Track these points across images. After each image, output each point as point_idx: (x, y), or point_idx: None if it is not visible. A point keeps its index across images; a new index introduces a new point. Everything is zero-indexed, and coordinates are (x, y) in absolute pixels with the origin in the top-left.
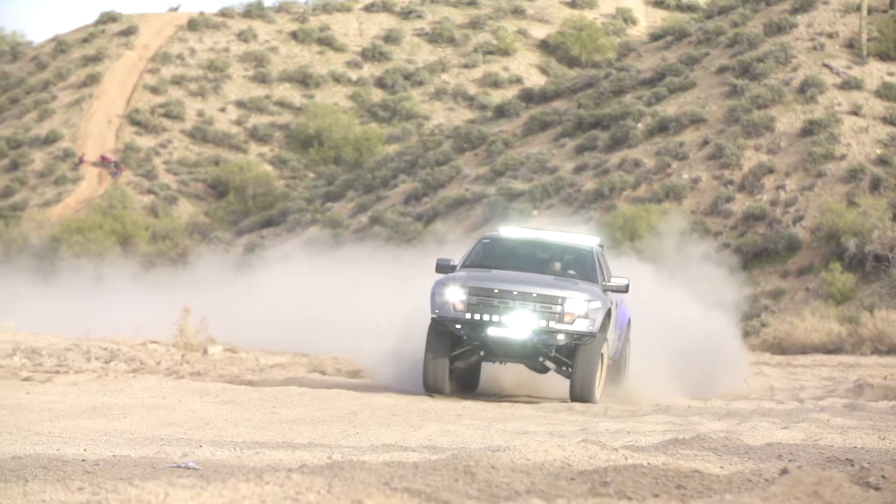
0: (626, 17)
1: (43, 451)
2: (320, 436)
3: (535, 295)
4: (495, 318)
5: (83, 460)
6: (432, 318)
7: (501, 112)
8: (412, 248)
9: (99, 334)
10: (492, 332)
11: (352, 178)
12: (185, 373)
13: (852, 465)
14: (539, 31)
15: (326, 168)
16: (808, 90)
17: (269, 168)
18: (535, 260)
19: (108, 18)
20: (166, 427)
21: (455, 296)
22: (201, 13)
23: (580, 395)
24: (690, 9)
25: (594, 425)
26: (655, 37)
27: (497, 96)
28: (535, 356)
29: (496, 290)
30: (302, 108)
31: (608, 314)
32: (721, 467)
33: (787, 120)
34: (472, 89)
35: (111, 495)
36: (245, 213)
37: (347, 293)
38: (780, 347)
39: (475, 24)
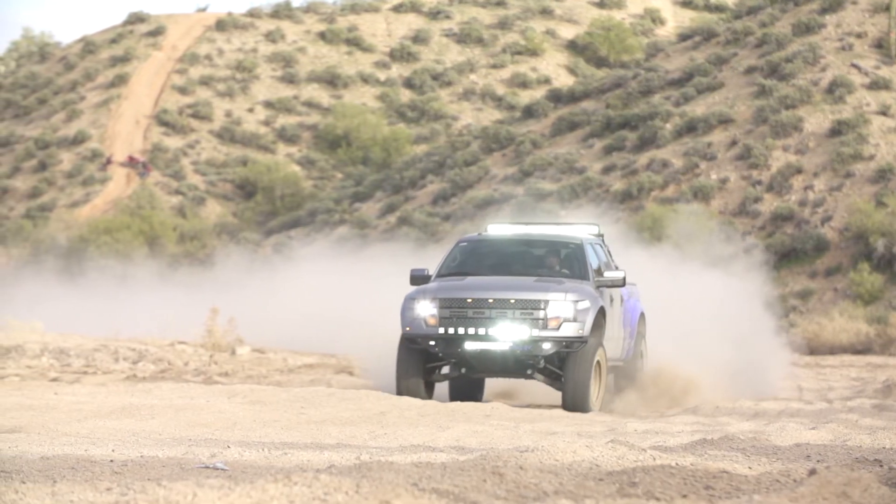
0: (655, 18)
1: (71, 452)
2: (348, 436)
3: (513, 301)
4: (471, 330)
5: (111, 461)
6: (403, 335)
7: (530, 112)
8: (440, 249)
9: (127, 335)
10: (469, 346)
11: (380, 178)
12: (214, 373)
13: (881, 466)
14: (567, 32)
15: (354, 168)
16: (836, 90)
17: (297, 168)
18: (518, 260)
19: (136, 19)
20: (194, 428)
21: (426, 310)
22: (229, 14)
23: (572, 406)
24: (719, 9)
25: (622, 426)
26: (683, 37)
27: (525, 97)
28: (522, 369)
29: (469, 300)
30: (330, 109)
31: (602, 313)
32: (749, 468)
33: (816, 120)
34: (501, 90)
35: (139, 496)
36: (273, 214)
37: (372, 294)
38: (809, 348)
39: (503, 25)
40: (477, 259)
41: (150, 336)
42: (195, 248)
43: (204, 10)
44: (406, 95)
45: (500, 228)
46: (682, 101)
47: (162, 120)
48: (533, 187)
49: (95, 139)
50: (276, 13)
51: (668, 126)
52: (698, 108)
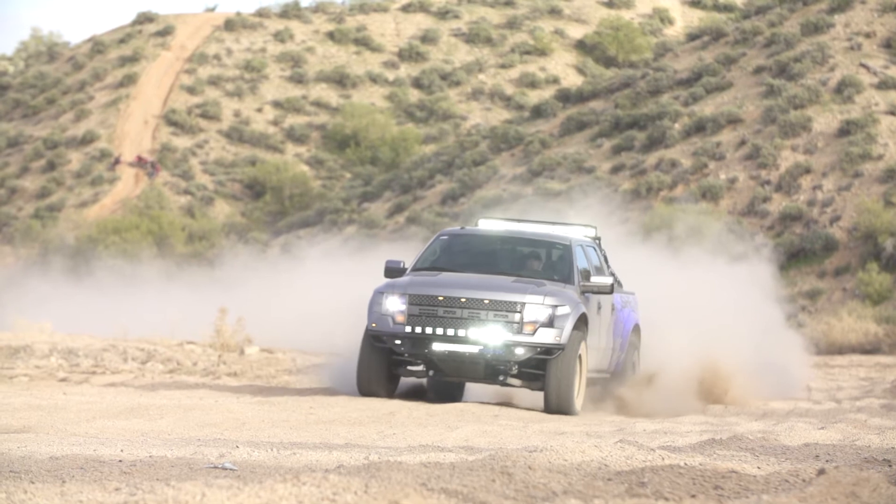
0: (663, 17)
1: (80, 452)
2: (357, 436)
3: (487, 301)
4: (440, 330)
5: (120, 461)
6: (368, 332)
7: (538, 112)
8: None
9: (135, 334)
10: (438, 347)
11: (388, 178)
12: (222, 373)
13: (890, 466)
14: (576, 31)
15: (363, 168)
16: (845, 90)
17: (305, 168)
18: (500, 259)
19: (145, 19)
20: (203, 428)
21: (394, 306)
22: (238, 13)
23: (557, 409)
24: (727, 9)
25: (631, 426)
26: (692, 37)
27: (534, 96)
28: (493, 375)
29: (441, 298)
30: (338, 109)
31: (583, 320)
32: (758, 468)
33: (824, 120)
34: (509, 89)
35: (148, 496)
36: (282, 214)
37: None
38: (817, 348)
39: (512, 24)
40: (456, 254)
41: (159, 336)
42: (204, 248)
43: (213, 9)
44: (415, 95)
45: (490, 223)
46: (691, 100)
47: (170, 120)
48: (541, 187)
49: (104, 139)
50: (284, 13)
51: (677, 126)
52: (707, 108)
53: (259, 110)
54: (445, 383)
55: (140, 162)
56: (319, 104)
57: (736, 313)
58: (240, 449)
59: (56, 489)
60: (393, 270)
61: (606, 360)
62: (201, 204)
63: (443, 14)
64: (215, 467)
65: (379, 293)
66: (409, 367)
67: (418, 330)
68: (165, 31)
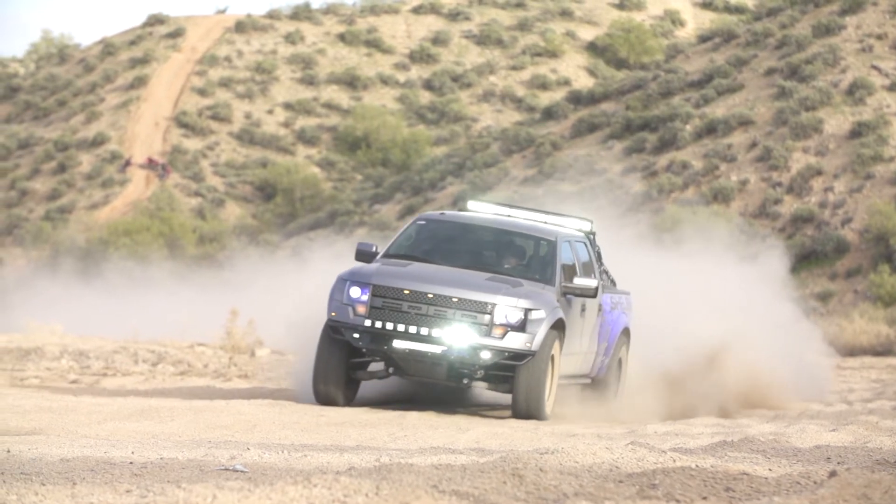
0: (674, 19)
1: (91, 454)
2: (368, 438)
3: (455, 300)
4: (402, 327)
5: (131, 463)
6: (327, 322)
7: (549, 114)
8: None
9: (146, 336)
10: (398, 344)
11: (399, 180)
12: (233, 375)
13: None
14: (587, 33)
15: (374, 170)
16: (856, 92)
17: (316, 170)
18: (478, 251)
19: (156, 21)
20: (214, 430)
21: (356, 296)
22: (249, 15)
23: (525, 414)
24: (739, 10)
25: (642, 428)
26: (703, 38)
27: (545, 98)
28: (457, 378)
29: (407, 292)
30: (349, 110)
31: (560, 325)
32: (769, 470)
33: (836, 122)
34: (520, 91)
35: (159, 498)
36: (292, 216)
37: None
38: (829, 350)
39: (523, 26)
40: (432, 242)
41: (170, 338)
42: (214, 250)
43: (223, 11)
44: (425, 97)
45: (480, 206)
46: (702, 102)
47: (181, 122)
48: (553, 189)
49: (115, 141)
50: (295, 15)
51: (688, 128)
52: (718, 110)
53: (270, 112)
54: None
55: (151, 164)
56: (330, 106)
57: (755, 314)
58: (251, 451)
59: (67, 491)
60: (364, 254)
61: (588, 364)
62: (212, 206)
63: (454, 16)
64: (226, 469)
65: (342, 280)
66: (370, 369)
67: (379, 325)
68: (176, 33)
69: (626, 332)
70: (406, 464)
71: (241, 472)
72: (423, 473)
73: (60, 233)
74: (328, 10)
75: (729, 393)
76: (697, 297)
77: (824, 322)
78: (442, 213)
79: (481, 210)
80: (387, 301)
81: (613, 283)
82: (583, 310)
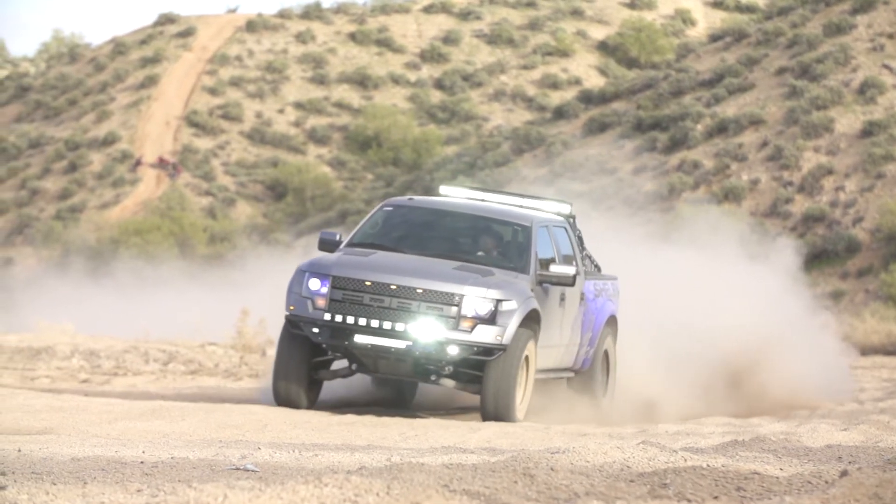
0: (685, 19)
1: (101, 453)
2: (379, 438)
3: (420, 291)
4: (363, 321)
5: (142, 462)
6: (286, 317)
7: (560, 113)
8: None
9: (157, 336)
10: (360, 339)
11: (410, 179)
12: (244, 375)
13: None
14: (598, 33)
15: (385, 169)
16: (867, 91)
17: (327, 170)
18: (447, 239)
19: (167, 20)
20: (225, 429)
21: (315, 288)
22: (259, 14)
23: (495, 417)
24: (749, 10)
25: (653, 427)
26: (714, 38)
27: (556, 97)
28: (424, 374)
29: (368, 283)
30: (360, 110)
31: (534, 317)
32: (781, 469)
33: (847, 121)
34: (531, 90)
35: (170, 497)
36: (303, 215)
37: None
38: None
39: (534, 26)
40: (398, 230)
41: (181, 337)
42: (225, 250)
43: (234, 10)
44: (436, 96)
45: (453, 191)
46: (713, 101)
47: (192, 121)
48: (564, 188)
49: (125, 140)
50: (306, 14)
51: (699, 127)
52: (729, 109)
53: (281, 111)
54: (392, 388)
55: (161, 163)
56: (341, 105)
57: (780, 311)
58: (262, 450)
59: (78, 490)
60: (327, 243)
61: (571, 356)
62: (223, 205)
63: (465, 15)
64: (237, 469)
65: (300, 272)
66: (332, 369)
67: (339, 319)
68: (187, 33)
69: (612, 320)
70: (417, 463)
71: (252, 471)
72: (434, 473)
73: (71, 232)
74: (339, 10)
75: (771, 395)
76: (722, 294)
77: (835, 322)
78: (410, 199)
79: (453, 195)
80: (347, 293)
81: (598, 268)
82: (562, 299)
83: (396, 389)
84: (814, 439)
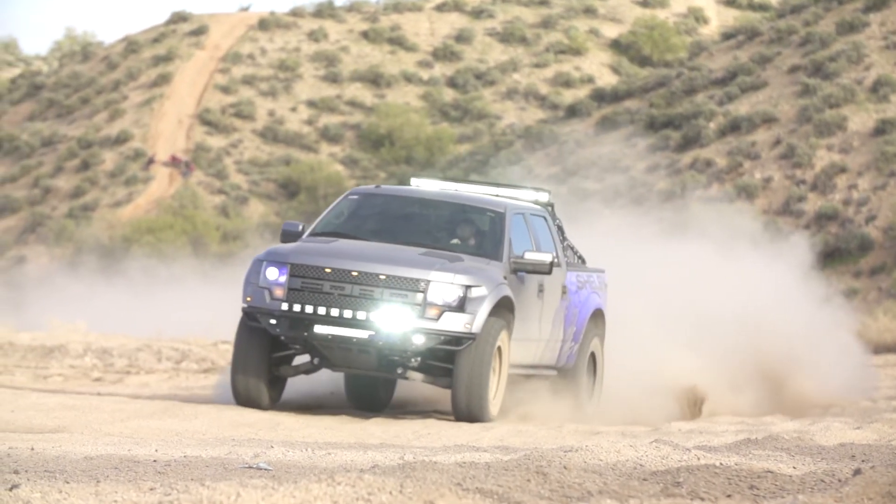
0: (698, 17)
1: (114, 452)
2: (392, 436)
3: (383, 277)
4: (323, 310)
5: (154, 461)
6: (242, 309)
7: (573, 112)
8: None
9: (169, 334)
10: (319, 330)
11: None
12: None
13: None
14: (611, 31)
15: (398, 168)
16: (880, 89)
17: (340, 168)
18: (415, 226)
19: (179, 18)
20: (237, 428)
21: (273, 278)
22: (272, 13)
23: (468, 413)
24: (762, 8)
25: (666, 425)
26: (727, 36)
27: (569, 96)
28: (389, 367)
29: (328, 270)
30: (373, 108)
31: (507, 305)
32: (794, 468)
33: (860, 119)
34: (544, 89)
35: (183, 496)
36: (316, 214)
37: None
38: None
39: (546, 24)
40: (363, 218)
41: (193, 336)
42: (238, 248)
43: (247, 9)
44: (449, 95)
45: (423, 183)
46: (726, 100)
47: (205, 119)
48: (576, 187)
49: (138, 139)
50: (318, 12)
51: (712, 125)
52: (742, 108)
53: (293, 110)
54: (366, 387)
55: (174, 161)
56: (354, 104)
57: (802, 309)
58: (274, 449)
59: (91, 489)
60: (289, 234)
61: (553, 353)
62: (235, 203)
63: (477, 13)
64: (250, 467)
65: (258, 261)
66: (294, 364)
67: (297, 308)
68: (199, 31)
69: (598, 314)
70: (430, 462)
71: (265, 470)
72: (447, 471)
73: (84, 231)
74: (352, 8)
75: (804, 393)
76: (745, 291)
77: (848, 320)
78: (377, 186)
79: (424, 185)
80: (306, 282)
81: (582, 259)
82: (540, 290)
83: (371, 388)
84: (827, 438)
